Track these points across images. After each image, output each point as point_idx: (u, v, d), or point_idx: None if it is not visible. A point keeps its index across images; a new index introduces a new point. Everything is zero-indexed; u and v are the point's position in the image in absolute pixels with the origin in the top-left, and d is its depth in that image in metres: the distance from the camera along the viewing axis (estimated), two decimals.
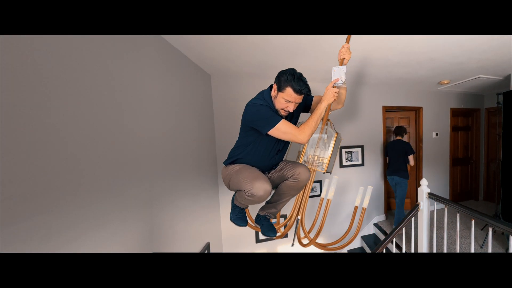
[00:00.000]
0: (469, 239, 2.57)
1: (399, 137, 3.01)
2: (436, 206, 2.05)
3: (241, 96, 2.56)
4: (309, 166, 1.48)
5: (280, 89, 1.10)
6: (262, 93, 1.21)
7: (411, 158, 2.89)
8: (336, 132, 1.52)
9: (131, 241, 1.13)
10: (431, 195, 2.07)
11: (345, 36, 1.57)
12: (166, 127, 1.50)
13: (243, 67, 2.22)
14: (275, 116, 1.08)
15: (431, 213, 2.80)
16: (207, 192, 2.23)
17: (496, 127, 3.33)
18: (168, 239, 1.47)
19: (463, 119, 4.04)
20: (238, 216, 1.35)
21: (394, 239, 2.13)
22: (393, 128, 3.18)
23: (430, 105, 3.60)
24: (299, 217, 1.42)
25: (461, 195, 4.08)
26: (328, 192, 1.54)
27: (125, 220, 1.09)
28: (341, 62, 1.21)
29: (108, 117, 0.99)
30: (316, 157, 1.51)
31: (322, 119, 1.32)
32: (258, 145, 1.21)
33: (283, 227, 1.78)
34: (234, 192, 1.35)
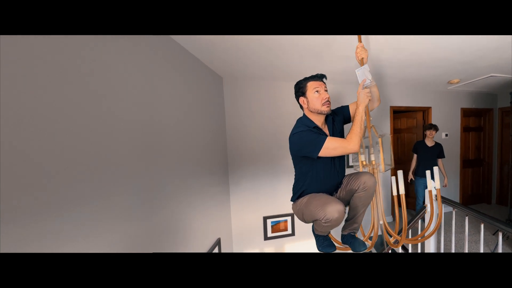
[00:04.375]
0: (479, 243, 2.48)
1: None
2: (445, 209, 2.00)
3: (252, 97, 2.64)
4: (370, 170, 1.44)
5: (304, 92, 1.17)
6: (299, 119, 1.24)
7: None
8: (380, 136, 1.47)
9: (148, 235, 1.19)
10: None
11: (355, 36, 1.55)
12: (179, 128, 1.55)
13: (254, 70, 2.25)
14: (319, 137, 1.10)
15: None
16: (218, 190, 2.30)
17: (510, 128, 3.20)
18: (182, 234, 1.54)
19: (475, 120, 3.91)
20: (324, 244, 1.35)
21: None
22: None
23: (439, 105, 3.50)
24: (381, 222, 1.41)
25: (472, 198, 3.95)
26: (399, 187, 1.46)
27: (144, 215, 1.16)
28: (362, 62, 1.21)
29: (121, 118, 1.03)
30: (373, 161, 1.46)
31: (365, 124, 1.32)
32: (316, 171, 1.22)
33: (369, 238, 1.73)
34: (311, 224, 1.34)
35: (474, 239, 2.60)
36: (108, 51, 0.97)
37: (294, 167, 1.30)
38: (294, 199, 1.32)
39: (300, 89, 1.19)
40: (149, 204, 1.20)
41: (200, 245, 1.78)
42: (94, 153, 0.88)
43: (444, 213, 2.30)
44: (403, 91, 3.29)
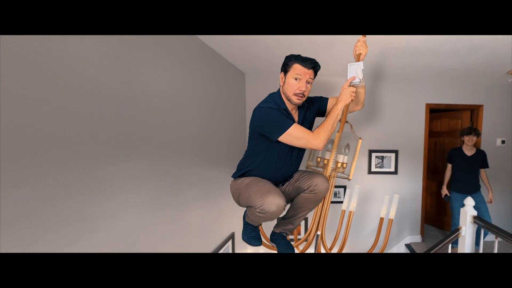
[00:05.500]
0: None
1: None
2: (486, 237, 1.56)
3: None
4: (327, 173, 1.38)
5: (287, 70, 1.06)
6: (271, 94, 1.14)
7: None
8: (360, 138, 1.44)
9: (169, 227, 1.35)
10: (477, 220, 1.58)
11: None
12: (203, 122, 1.65)
13: (272, 65, 2.24)
14: (286, 120, 1.01)
15: None
16: None
17: None
18: (199, 227, 1.66)
19: None
20: (251, 235, 1.28)
21: None
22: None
23: (494, 103, 2.81)
24: (318, 232, 1.32)
25: None
26: (351, 203, 1.41)
27: (166, 205, 1.32)
28: (358, 58, 1.11)
29: (150, 113, 1.15)
30: (339, 163, 1.43)
31: (340, 121, 1.21)
32: (270, 154, 1.12)
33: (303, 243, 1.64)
34: (245, 209, 1.28)
35: None
36: (135, 50, 1.05)
37: (248, 142, 1.20)
38: (236, 176, 1.22)
39: (285, 65, 1.07)
40: (168, 197, 1.33)
41: (214, 238, 1.93)
42: (134, 145, 1.06)
43: (484, 241, 1.80)
44: (444, 84, 2.73)
